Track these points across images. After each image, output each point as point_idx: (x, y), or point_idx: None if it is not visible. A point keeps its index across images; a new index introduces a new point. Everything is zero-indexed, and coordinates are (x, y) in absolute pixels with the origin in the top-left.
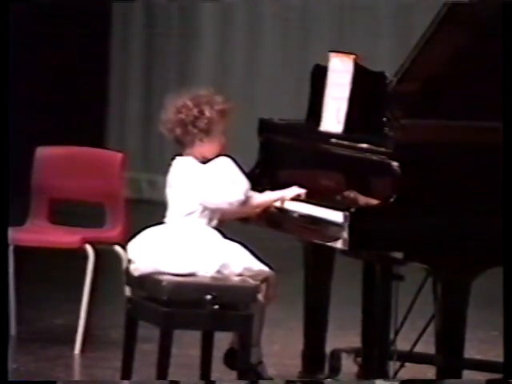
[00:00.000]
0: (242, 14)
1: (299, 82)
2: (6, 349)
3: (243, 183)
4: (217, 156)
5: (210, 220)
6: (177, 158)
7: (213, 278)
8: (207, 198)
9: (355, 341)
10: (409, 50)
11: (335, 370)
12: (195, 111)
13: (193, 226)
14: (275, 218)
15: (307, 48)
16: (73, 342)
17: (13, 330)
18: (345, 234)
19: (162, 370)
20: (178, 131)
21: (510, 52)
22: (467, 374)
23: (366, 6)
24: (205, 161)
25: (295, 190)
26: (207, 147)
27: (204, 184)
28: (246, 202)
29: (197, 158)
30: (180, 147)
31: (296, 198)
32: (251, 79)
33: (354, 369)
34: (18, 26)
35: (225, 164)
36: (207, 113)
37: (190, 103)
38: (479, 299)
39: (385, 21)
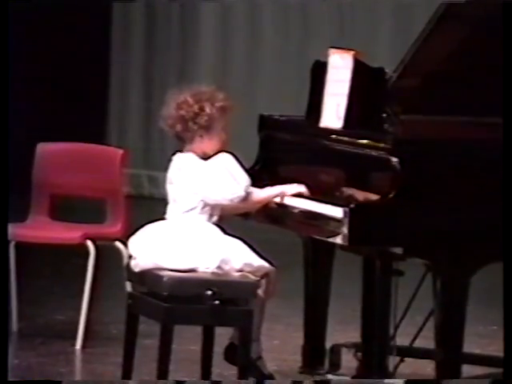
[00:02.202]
0: (242, 11)
1: (299, 79)
2: (7, 348)
3: (244, 179)
4: (217, 152)
5: (211, 216)
6: (177, 154)
7: (213, 273)
8: (208, 194)
9: (355, 336)
10: (408, 46)
11: (335, 365)
12: (196, 108)
13: (193, 222)
14: (275, 213)
15: (307, 44)
16: (74, 337)
17: (14, 326)
18: (345, 230)
19: (163, 365)
20: (179, 127)
21: (510, 51)
22: (466, 368)
23: (366, 2)
24: (205, 157)
25: (296, 187)
26: (207, 144)
27: (205, 180)
28: (246, 198)
29: (197, 154)
30: (180, 143)
31: (297, 195)
32: (251, 76)
33: (354, 364)
34: (19, 22)
35: (225, 160)
36: (208, 109)
37: (190, 99)
38: (478, 294)
39: (384, 17)
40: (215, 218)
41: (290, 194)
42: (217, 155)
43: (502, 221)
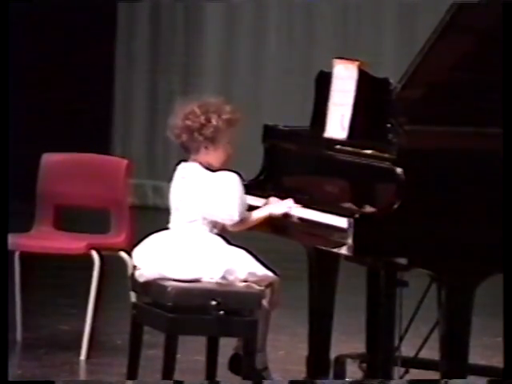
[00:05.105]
0: (247, 17)
1: (303, 88)
2: (6, 350)
3: (242, 205)
4: (224, 167)
5: (213, 227)
6: (182, 163)
7: (217, 283)
8: (205, 208)
9: (360, 346)
10: (413, 56)
11: (340, 376)
12: (202, 119)
13: (197, 232)
14: (279, 223)
15: (311, 54)
16: (78, 347)
17: (18, 336)
18: (349, 240)
19: (167, 375)
20: (185, 137)
21: (510, 53)
22: (471, 380)
23: (370, 12)
24: (210, 168)
25: (283, 205)
26: (212, 155)
27: (205, 195)
28: (239, 222)
29: (202, 164)
30: (186, 153)
31: (303, 204)
32: (255, 85)
33: (359, 374)
34: (21, 26)
35: (230, 180)
36: (214, 121)
37: (197, 110)
38: (484, 305)
39: (389, 27)
40: (218, 229)
41: (280, 214)
42: (223, 172)
43: (503, 231)
